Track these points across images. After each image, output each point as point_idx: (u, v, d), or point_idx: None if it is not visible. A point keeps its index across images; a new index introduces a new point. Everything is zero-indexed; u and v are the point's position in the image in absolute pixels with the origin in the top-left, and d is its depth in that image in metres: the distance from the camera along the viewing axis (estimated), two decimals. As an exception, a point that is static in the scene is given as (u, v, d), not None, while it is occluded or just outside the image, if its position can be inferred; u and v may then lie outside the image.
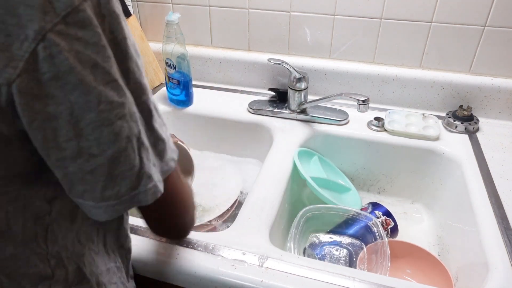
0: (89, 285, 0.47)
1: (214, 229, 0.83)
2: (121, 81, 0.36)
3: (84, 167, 0.36)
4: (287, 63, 0.92)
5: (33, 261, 0.42)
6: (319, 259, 0.77)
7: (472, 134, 0.92)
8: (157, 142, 0.41)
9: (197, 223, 0.82)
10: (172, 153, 0.45)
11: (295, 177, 0.85)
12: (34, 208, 0.40)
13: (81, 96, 0.33)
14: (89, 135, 0.35)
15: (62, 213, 0.43)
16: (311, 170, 0.90)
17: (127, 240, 0.56)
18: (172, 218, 0.51)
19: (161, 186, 0.42)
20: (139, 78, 0.38)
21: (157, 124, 0.41)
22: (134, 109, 0.38)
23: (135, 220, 0.69)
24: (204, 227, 0.81)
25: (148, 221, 0.50)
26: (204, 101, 1.07)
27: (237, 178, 0.94)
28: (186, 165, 0.86)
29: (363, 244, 0.79)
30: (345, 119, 0.96)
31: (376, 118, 0.95)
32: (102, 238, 0.50)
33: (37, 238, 0.41)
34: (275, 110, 1.00)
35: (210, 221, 0.81)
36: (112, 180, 0.37)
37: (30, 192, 0.40)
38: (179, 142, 0.87)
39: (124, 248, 0.56)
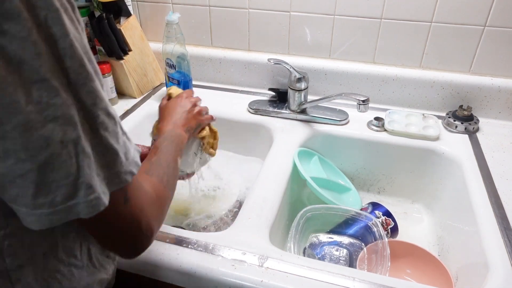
0: None
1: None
2: (54, 81, 0.33)
3: (14, 169, 0.33)
4: (287, 63, 0.92)
5: None
6: (319, 259, 0.77)
7: (472, 134, 0.92)
8: (106, 152, 0.38)
9: (201, 224, 0.82)
10: (130, 166, 0.41)
11: (295, 177, 0.85)
12: None
13: (4, 97, 0.31)
14: (15, 139, 0.32)
15: (23, 229, 0.40)
16: (311, 170, 0.90)
17: None
18: (122, 236, 0.44)
19: (105, 199, 0.38)
20: (84, 80, 0.35)
21: (107, 133, 0.38)
22: (73, 112, 0.34)
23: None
24: (206, 229, 0.81)
25: (96, 237, 0.44)
26: (204, 101, 1.06)
27: (237, 178, 0.94)
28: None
29: (363, 244, 0.79)
30: (345, 119, 0.96)
31: (376, 118, 0.95)
32: (86, 252, 0.49)
33: None
34: (275, 110, 1.00)
35: (210, 223, 0.81)
36: (45, 187, 0.34)
37: None
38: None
39: (111, 257, 0.54)
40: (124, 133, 0.41)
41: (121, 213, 0.42)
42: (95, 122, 0.37)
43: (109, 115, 0.38)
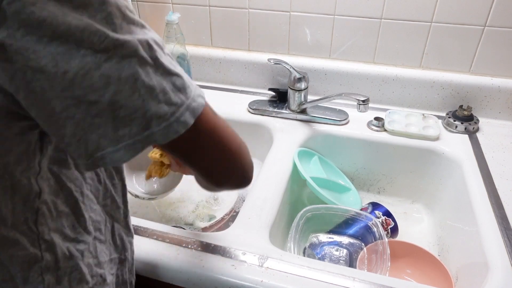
0: (80, 275, 0.46)
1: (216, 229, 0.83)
2: (100, 25, 0.34)
3: (89, 111, 0.35)
4: (287, 63, 0.92)
5: (23, 243, 0.42)
6: (319, 259, 0.77)
7: (472, 134, 0.92)
8: (173, 78, 0.39)
9: (202, 225, 0.82)
10: (198, 90, 0.42)
11: (295, 177, 0.85)
12: (22, 189, 0.40)
13: (60, 46, 0.33)
14: (81, 82, 0.34)
15: (54, 197, 0.43)
16: (311, 170, 0.90)
17: (131, 225, 0.57)
18: (223, 161, 0.47)
19: (177, 126, 0.39)
20: (129, 16, 0.36)
21: (164, 60, 0.39)
22: (125, 46, 0.35)
23: (135, 220, 0.69)
24: (207, 229, 0.81)
25: (203, 174, 0.47)
26: (204, 101, 1.06)
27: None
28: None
29: (363, 244, 0.79)
30: (345, 119, 0.96)
31: (376, 118, 0.95)
32: (110, 228, 0.51)
33: (27, 221, 0.41)
34: (275, 110, 1.00)
35: (212, 224, 0.81)
36: (121, 121, 0.36)
37: (18, 171, 0.39)
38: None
39: (132, 235, 0.56)
40: (174, 61, 0.42)
41: (217, 123, 0.46)
42: (149, 54, 0.37)
43: (158, 43, 0.39)
